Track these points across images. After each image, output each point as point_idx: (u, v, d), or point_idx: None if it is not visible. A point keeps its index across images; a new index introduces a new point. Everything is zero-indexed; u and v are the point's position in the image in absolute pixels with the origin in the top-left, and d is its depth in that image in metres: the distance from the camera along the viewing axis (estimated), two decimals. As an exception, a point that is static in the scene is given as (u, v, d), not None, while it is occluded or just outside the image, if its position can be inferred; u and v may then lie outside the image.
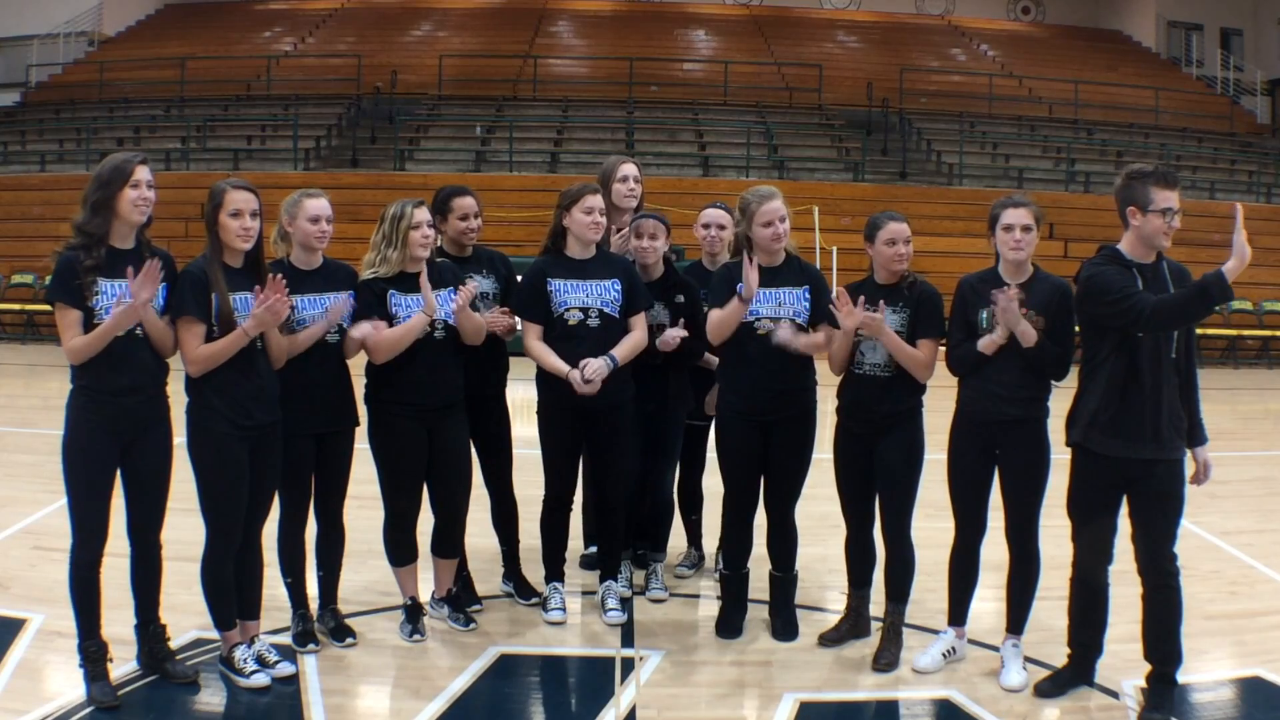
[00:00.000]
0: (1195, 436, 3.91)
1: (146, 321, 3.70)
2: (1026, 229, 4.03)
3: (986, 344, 4.03)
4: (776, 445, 4.41)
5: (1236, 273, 3.49)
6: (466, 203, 4.61)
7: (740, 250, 4.44)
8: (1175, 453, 3.81)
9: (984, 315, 4.07)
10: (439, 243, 4.59)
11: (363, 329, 4.18)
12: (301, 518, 4.29)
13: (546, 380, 4.52)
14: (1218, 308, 3.84)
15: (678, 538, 5.31)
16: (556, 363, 4.40)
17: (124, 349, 3.67)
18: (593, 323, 4.44)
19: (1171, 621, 3.85)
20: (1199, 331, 4.21)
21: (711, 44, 24.10)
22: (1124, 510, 3.90)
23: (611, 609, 4.65)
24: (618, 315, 4.48)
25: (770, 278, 4.34)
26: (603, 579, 4.76)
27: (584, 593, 4.98)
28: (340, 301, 4.16)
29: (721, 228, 4.91)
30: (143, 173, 3.68)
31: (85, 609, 3.78)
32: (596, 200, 4.47)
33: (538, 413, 4.61)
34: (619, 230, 4.86)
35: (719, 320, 4.34)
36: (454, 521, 4.51)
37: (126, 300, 3.56)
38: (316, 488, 4.28)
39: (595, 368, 4.34)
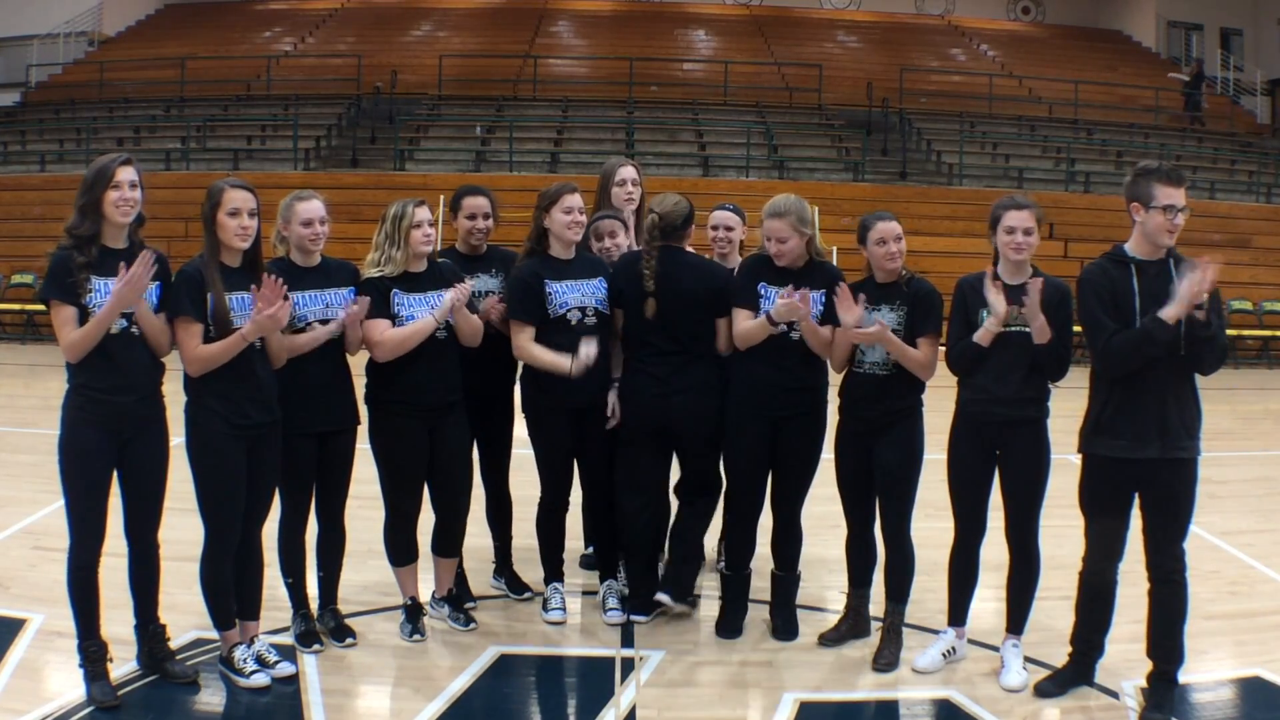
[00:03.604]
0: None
1: (141, 318, 3.70)
2: (1028, 231, 4.02)
3: (982, 334, 4.02)
4: (785, 444, 4.39)
5: (1176, 317, 3.62)
6: (475, 203, 4.61)
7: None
8: (1183, 452, 3.76)
9: (984, 314, 4.06)
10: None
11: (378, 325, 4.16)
12: (302, 518, 4.29)
13: (537, 382, 4.52)
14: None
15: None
16: (556, 359, 4.36)
17: (119, 348, 3.67)
18: (589, 321, 4.45)
19: (1176, 618, 3.84)
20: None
21: (711, 44, 24.08)
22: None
23: (611, 609, 4.65)
24: (607, 312, 4.51)
25: (781, 278, 4.31)
26: (603, 579, 4.77)
27: (584, 593, 4.99)
28: (356, 309, 4.12)
29: (730, 229, 4.89)
30: (125, 173, 3.65)
31: (84, 609, 3.78)
32: (575, 199, 4.46)
33: (526, 414, 4.61)
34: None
35: (745, 335, 4.33)
36: (455, 520, 4.51)
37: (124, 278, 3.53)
38: (318, 488, 4.28)
39: (589, 351, 4.33)
